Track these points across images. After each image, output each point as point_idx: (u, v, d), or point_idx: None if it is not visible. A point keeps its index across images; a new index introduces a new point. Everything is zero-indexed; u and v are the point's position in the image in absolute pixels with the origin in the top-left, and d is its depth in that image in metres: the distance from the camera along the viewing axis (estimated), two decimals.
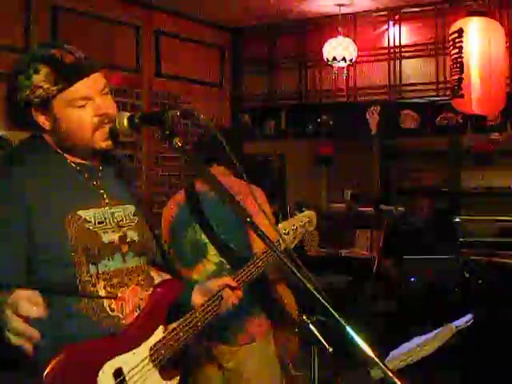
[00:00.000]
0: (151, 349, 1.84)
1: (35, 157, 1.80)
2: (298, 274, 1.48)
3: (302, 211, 2.71)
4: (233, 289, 2.13)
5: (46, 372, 1.57)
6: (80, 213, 1.77)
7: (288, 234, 2.54)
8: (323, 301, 1.44)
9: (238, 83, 6.89)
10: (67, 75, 1.74)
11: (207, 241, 2.89)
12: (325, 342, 2.01)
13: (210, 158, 2.99)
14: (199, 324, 1.99)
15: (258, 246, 2.69)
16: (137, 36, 5.81)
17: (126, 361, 1.76)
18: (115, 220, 1.86)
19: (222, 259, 2.88)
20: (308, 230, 2.70)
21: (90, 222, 1.78)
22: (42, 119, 1.78)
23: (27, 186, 1.72)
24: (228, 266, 2.86)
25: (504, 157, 7.51)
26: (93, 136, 1.79)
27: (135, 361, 1.79)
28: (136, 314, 1.85)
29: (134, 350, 1.80)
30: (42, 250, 1.71)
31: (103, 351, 1.73)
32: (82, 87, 1.76)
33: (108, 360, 1.72)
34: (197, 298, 2.09)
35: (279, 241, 2.36)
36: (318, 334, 2.02)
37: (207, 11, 6.09)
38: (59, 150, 1.84)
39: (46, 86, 1.73)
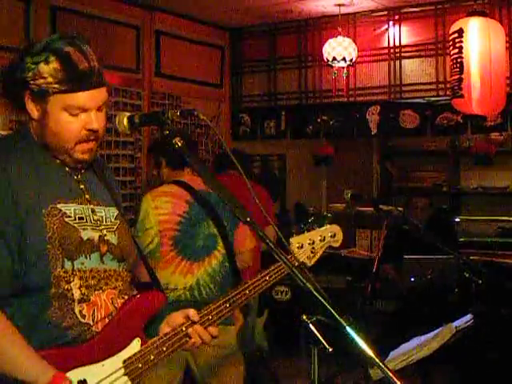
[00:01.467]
0: (125, 361, 1.72)
1: (19, 149, 1.75)
2: (298, 274, 1.48)
3: (322, 225, 2.42)
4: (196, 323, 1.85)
5: None
6: (60, 206, 1.72)
7: (302, 247, 2.27)
8: (323, 301, 1.44)
9: (237, 83, 6.89)
10: (74, 81, 1.70)
11: (218, 234, 3.16)
12: (325, 342, 2.00)
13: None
14: (186, 339, 1.83)
15: (248, 244, 3.25)
16: (137, 36, 5.81)
17: (92, 372, 1.66)
18: (95, 219, 1.79)
19: (224, 251, 3.18)
20: (332, 246, 2.41)
21: (69, 216, 1.72)
22: (31, 106, 1.74)
23: (11, 178, 1.67)
24: (228, 258, 3.18)
25: (504, 157, 7.50)
26: (74, 146, 1.75)
27: (104, 373, 1.68)
28: (107, 321, 1.74)
29: (104, 362, 1.69)
30: (20, 244, 1.65)
31: (66, 360, 1.62)
32: (83, 97, 1.72)
33: (70, 370, 1.62)
34: (164, 327, 1.86)
35: (291, 256, 2.14)
36: (318, 334, 2.01)
37: (207, 11, 6.09)
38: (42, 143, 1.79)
39: (49, 80, 1.69)
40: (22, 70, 1.71)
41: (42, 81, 1.70)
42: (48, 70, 1.69)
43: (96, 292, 1.74)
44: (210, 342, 1.86)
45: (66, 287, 1.69)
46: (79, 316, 1.70)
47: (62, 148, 1.76)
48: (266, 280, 2.04)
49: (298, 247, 2.23)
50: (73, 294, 1.70)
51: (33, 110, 1.75)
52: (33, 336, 1.64)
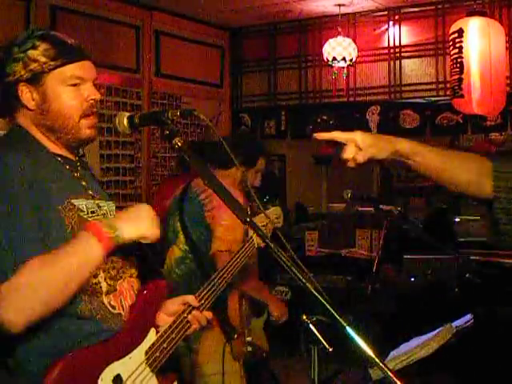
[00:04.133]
0: (146, 353, 1.77)
1: (22, 147, 1.73)
2: (298, 274, 1.48)
3: (267, 208, 2.65)
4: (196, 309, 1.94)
5: (43, 381, 1.51)
6: (73, 201, 1.72)
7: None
8: (323, 301, 1.44)
9: (237, 83, 6.90)
10: (67, 54, 1.74)
11: (180, 229, 3.25)
12: (325, 342, 2.01)
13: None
14: (188, 325, 1.91)
15: (216, 246, 2.99)
16: (137, 36, 5.82)
17: (123, 366, 1.70)
18: (101, 213, 1.81)
19: (187, 247, 3.19)
20: (277, 227, 2.60)
21: (83, 211, 1.73)
22: (28, 96, 1.74)
23: (28, 176, 1.64)
24: (190, 255, 3.17)
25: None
26: (79, 122, 1.77)
27: (132, 366, 1.73)
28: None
29: (130, 355, 1.73)
30: (45, 240, 1.63)
31: (100, 357, 1.65)
32: (78, 67, 1.76)
33: (106, 367, 1.66)
34: (160, 318, 1.90)
35: (251, 237, 2.32)
36: (317, 333, 2.02)
37: (207, 11, 6.09)
38: (40, 141, 1.78)
39: (42, 60, 1.72)
40: (13, 61, 1.72)
41: (35, 64, 1.72)
42: (38, 52, 1.73)
43: (118, 281, 1.77)
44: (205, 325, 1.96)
45: (94, 281, 1.70)
46: (109, 307, 1.72)
47: (68, 127, 1.77)
48: (237, 261, 2.20)
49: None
50: (101, 287, 1.72)
51: (29, 99, 1.74)
52: (70, 332, 1.64)
